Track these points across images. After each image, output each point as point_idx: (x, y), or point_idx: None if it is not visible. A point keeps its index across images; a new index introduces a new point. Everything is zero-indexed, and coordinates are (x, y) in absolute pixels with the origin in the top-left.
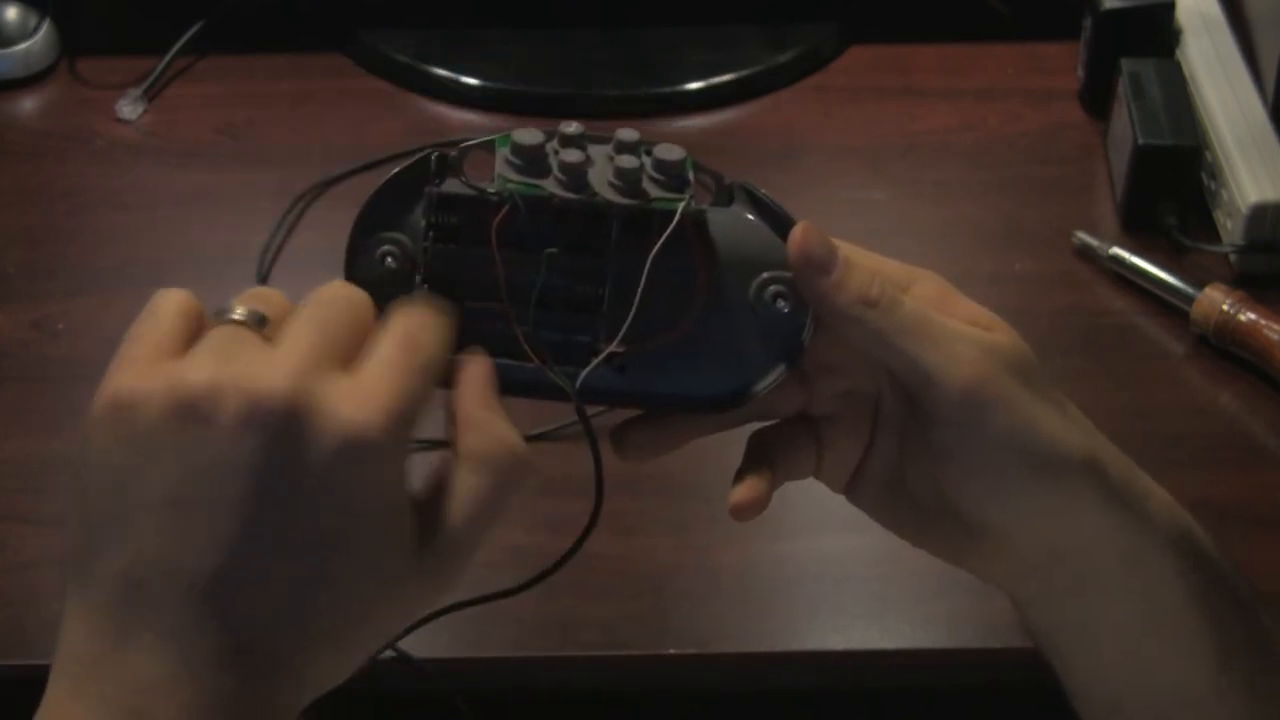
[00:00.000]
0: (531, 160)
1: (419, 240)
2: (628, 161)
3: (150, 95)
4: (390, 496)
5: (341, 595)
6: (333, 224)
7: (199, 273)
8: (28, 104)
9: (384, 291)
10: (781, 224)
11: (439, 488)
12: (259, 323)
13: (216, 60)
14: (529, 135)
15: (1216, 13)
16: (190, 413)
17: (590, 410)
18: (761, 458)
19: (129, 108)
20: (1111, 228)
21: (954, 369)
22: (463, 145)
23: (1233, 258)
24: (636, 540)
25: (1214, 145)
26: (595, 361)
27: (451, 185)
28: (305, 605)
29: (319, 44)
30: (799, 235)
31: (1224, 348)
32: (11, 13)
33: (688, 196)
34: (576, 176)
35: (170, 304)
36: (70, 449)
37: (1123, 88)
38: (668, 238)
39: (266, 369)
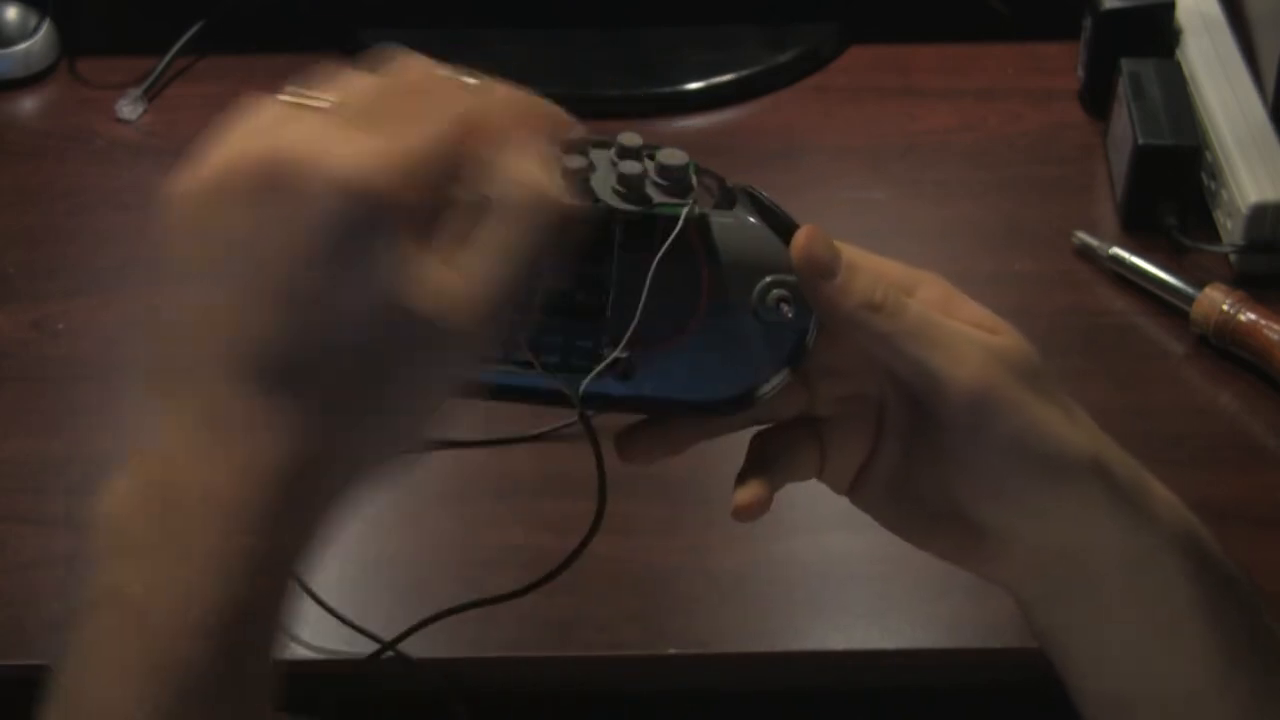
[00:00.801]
0: None
1: None
2: (630, 167)
3: (150, 95)
4: (401, 260)
5: (358, 360)
6: None
7: None
8: (28, 104)
9: None
10: (785, 227)
11: (467, 243)
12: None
13: (216, 60)
14: None
15: (1216, 13)
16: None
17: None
18: (764, 460)
19: (129, 108)
20: (1111, 228)
21: (960, 372)
22: None
23: (1233, 258)
24: (637, 541)
25: (1214, 145)
26: (598, 368)
27: None
28: (321, 368)
29: (319, 44)
30: (802, 239)
31: (1224, 348)
32: (11, 13)
33: (691, 201)
34: (579, 182)
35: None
36: (72, 450)
37: (1123, 88)
38: (672, 243)
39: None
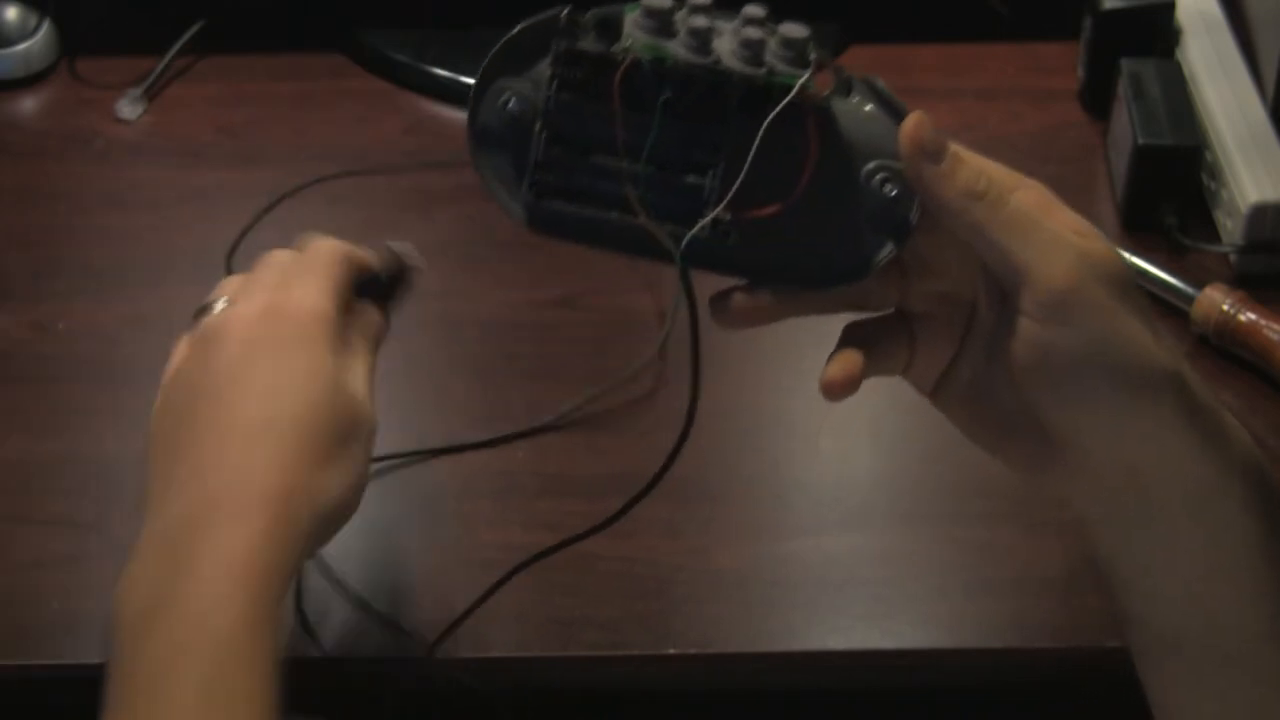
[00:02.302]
0: (660, 24)
1: (542, 90)
2: (753, 33)
3: (150, 95)
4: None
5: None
6: (333, 224)
7: (199, 273)
8: (28, 104)
9: (503, 136)
10: (898, 115)
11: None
12: None
13: (216, 60)
14: (659, 0)
15: (1216, 13)
16: None
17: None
18: (855, 347)
19: (129, 108)
20: (1111, 228)
21: (1051, 269)
22: (593, 11)
23: (1233, 258)
24: (638, 541)
25: (1214, 145)
26: (702, 222)
27: (579, 41)
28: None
29: (319, 44)
30: (912, 124)
31: (1224, 348)
32: (11, 13)
33: (809, 73)
34: (703, 42)
35: None
36: (71, 450)
37: (1123, 88)
38: (786, 114)
39: None
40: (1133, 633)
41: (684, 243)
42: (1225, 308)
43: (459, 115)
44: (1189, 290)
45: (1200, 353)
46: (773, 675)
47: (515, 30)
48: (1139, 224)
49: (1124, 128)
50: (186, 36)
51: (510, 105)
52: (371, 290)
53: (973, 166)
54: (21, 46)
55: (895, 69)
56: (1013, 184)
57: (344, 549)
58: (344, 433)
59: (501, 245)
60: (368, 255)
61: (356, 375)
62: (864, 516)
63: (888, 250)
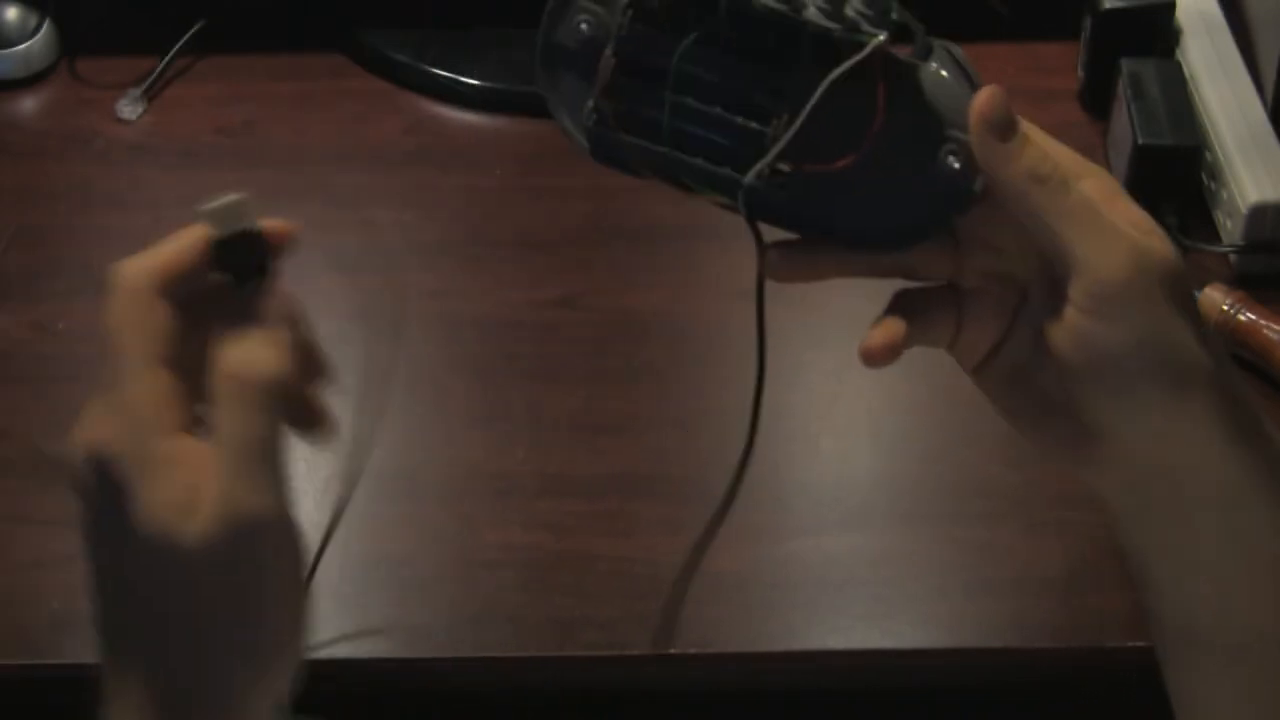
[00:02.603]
0: None
1: (617, 16)
2: None
3: (150, 95)
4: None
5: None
6: (333, 224)
7: None
8: (28, 104)
9: (573, 58)
10: (974, 87)
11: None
12: None
13: (216, 60)
14: None
15: (1216, 13)
16: None
17: None
18: (902, 315)
19: (129, 108)
20: None
21: (1104, 262)
22: None
23: (1233, 258)
24: (637, 541)
25: (1214, 145)
26: (758, 166)
27: None
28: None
29: (319, 44)
30: (984, 98)
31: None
32: (11, 13)
33: (884, 34)
34: None
35: None
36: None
37: (1123, 88)
38: (857, 72)
39: None
40: (1153, 625)
41: (745, 182)
42: (1225, 308)
43: (459, 115)
44: None
45: None
46: (773, 675)
47: None
48: None
49: (1124, 128)
50: (186, 36)
51: (584, 27)
52: (235, 267)
53: (1040, 149)
54: (21, 46)
55: None
56: (1079, 171)
57: (344, 549)
58: (215, 597)
59: (501, 245)
60: (187, 248)
61: (214, 480)
62: (864, 516)
63: (944, 221)
